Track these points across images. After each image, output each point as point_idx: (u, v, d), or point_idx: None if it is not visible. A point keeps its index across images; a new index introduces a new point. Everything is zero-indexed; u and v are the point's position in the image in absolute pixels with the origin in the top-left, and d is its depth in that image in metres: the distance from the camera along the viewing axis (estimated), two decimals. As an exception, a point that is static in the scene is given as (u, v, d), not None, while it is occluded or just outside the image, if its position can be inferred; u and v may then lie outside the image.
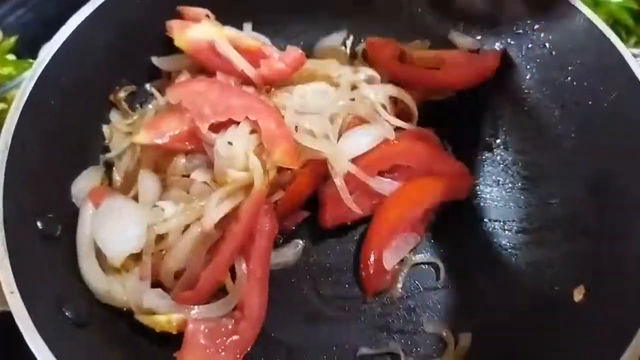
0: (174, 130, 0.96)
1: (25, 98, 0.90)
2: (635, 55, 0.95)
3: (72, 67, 0.98)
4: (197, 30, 1.06)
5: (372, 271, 0.96)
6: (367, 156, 1.01)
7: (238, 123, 0.95)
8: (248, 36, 1.13)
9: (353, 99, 1.05)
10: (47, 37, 0.98)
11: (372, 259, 0.96)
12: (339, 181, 0.96)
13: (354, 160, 0.99)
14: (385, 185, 1.01)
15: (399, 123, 1.04)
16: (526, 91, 1.12)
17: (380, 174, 1.02)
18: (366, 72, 1.11)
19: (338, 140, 1.00)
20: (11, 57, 1.32)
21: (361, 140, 1.01)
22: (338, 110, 1.02)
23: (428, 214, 1.01)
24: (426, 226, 1.02)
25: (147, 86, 1.13)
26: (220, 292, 0.92)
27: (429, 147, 1.04)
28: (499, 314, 0.93)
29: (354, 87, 1.08)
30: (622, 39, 1.01)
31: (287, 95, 1.04)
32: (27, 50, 1.30)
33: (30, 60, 1.27)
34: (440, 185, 1.01)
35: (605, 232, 0.87)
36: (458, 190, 1.03)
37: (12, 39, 1.33)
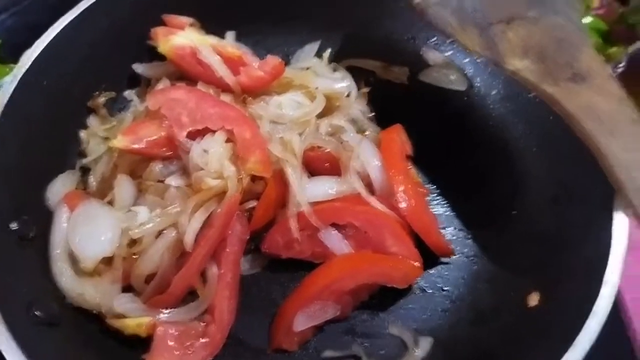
0: (152, 136, 0.97)
1: (5, 101, 0.91)
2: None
3: (53, 71, 1.00)
4: (181, 37, 1.07)
5: (280, 327, 0.93)
6: (327, 203, 0.98)
7: (214, 131, 0.97)
8: (230, 44, 1.15)
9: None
10: (30, 42, 0.98)
11: (285, 315, 0.93)
12: (291, 213, 0.96)
13: (313, 203, 0.97)
14: (333, 239, 0.97)
15: (363, 193, 0.99)
16: (491, 106, 1.15)
17: (336, 226, 0.97)
18: (342, 83, 1.14)
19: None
20: (-7, 61, 1.33)
21: (327, 190, 1.00)
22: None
23: (360, 291, 0.96)
24: (355, 303, 0.96)
25: (127, 93, 1.14)
26: (188, 295, 0.94)
27: (391, 222, 0.96)
28: (459, 318, 0.96)
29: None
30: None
31: (263, 105, 1.06)
32: (9, 55, 1.30)
33: (12, 65, 1.27)
34: (383, 266, 0.93)
35: (560, 240, 0.90)
36: (401, 278, 0.94)
37: (-5, 44, 1.34)
